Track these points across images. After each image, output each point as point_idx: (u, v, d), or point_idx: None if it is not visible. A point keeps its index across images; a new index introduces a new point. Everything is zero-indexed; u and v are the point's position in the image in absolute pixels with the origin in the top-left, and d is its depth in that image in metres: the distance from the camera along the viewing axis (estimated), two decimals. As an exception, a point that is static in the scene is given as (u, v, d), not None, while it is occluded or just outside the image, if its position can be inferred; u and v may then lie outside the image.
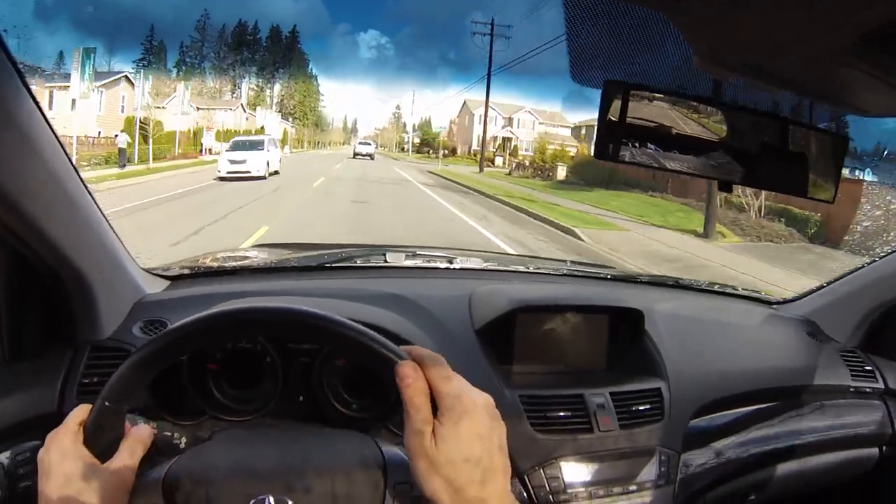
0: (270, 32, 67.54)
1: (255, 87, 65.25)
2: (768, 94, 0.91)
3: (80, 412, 0.81)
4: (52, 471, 0.77)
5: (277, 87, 67.95)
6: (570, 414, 1.34)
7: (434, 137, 57.53)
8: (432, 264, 1.91)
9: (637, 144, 0.85)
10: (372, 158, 44.34)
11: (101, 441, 0.79)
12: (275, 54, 67.23)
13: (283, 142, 45.56)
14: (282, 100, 67.54)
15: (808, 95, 0.80)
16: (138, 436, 0.83)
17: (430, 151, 59.17)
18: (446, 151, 53.79)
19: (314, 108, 68.88)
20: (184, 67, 60.77)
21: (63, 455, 0.78)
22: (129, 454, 0.80)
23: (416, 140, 66.14)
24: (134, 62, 58.06)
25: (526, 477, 1.26)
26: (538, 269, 2.05)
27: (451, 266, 1.87)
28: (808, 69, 0.69)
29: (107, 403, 0.79)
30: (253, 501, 0.80)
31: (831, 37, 0.59)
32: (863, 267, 1.88)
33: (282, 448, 0.87)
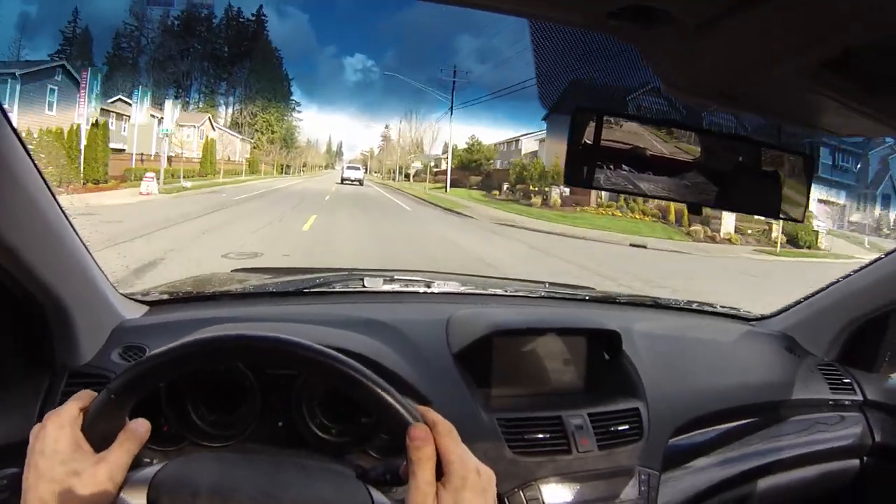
0: (227, 15, 51.14)
1: (205, 90, 51.29)
2: (737, 120, 0.92)
3: (84, 397, 0.82)
4: (46, 450, 0.78)
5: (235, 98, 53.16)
6: (548, 435, 1.33)
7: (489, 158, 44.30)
8: (410, 289, 1.91)
9: (612, 167, 0.86)
10: (361, 184, 40.35)
11: (98, 430, 0.80)
12: (232, 42, 51.93)
13: (205, 167, 34.40)
14: (240, 104, 52.40)
15: (775, 118, 0.82)
16: (135, 431, 0.83)
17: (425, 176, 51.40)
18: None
19: (282, 116, 54.60)
20: (115, 61, 45.52)
21: (59, 436, 0.78)
22: (125, 448, 0.81)
23: (420, 164, 55.41)
24: (51, 55, 39.38)
25: (506, 499, 1.26)
26: (516, 291, 2.05)
27: (429, 290, 1.87)
28: (774, 94, 0.70)
29: (113, 396, 0.80)
30: None
31: (794, 64, 0.60)
32: (838, 281, 1.90)
33: (270, 475, 0.86)
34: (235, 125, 51.81)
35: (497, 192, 33.67)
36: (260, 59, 54.82)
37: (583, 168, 0.84)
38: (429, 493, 0.71)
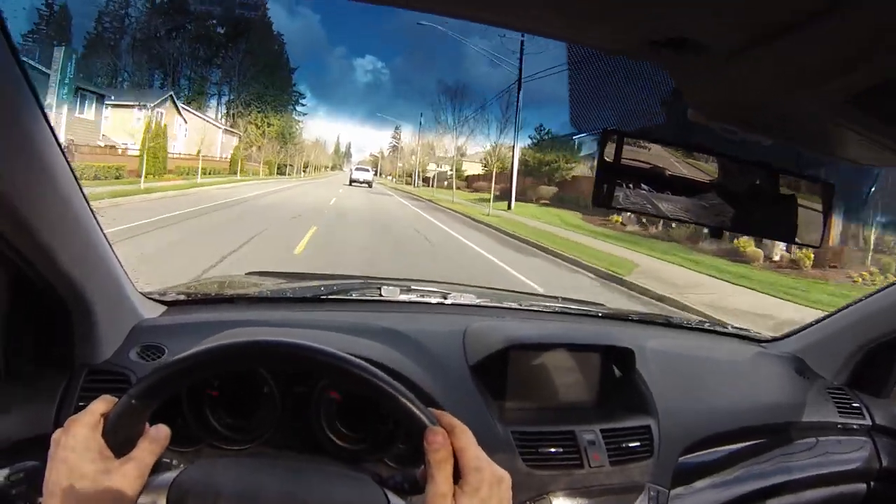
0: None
1: (195, 77, 46.85)
2: (758, 144, 0.94)
3: (104, 403, 0.82)
4: (77, 446, 0.78)
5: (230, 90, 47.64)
6: (561, 450, 1.35)
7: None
8: (426, 299, 1.92)
9: (631, 186, 0.88)
10: (370, 186, 40.67)
11: (119, 435, 0.81)
12: (227, 19, 45.45)
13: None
14: (234, 94, 47.13)
15: (798, 146, 0.83)
16: (156, 437, 0.84)
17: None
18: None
19: (280, 107, 48.37)
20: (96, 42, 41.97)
21: (80, 440, 0.78)
22: (146, 453, 0.81)
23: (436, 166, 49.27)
24: (25, 35, 37.88)
25: None
26: (531, 305, 2.07)
27: (445, 301, 1.88)
28: (798, 122, 0.72)
29: (133, 401, 0.81)
30: None
31: (820, 95, 0.62)
32: (849, 306, 1.91)
33: (290, 480, 0.87)
34: (230, 119, 46.41)
35: (617, 219, 22.11)
36: (257, 40, 48.37)
37: (609, 190, 0.86)
38: (447, 496, 0.72)
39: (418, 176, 51.49)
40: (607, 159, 0.85)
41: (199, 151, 32.48)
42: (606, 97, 0.82)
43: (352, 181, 42.03)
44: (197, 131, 35.61)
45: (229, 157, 41.37)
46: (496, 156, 32.26)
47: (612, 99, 0.83)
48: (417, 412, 0.80)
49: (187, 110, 38.57)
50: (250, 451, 1.25)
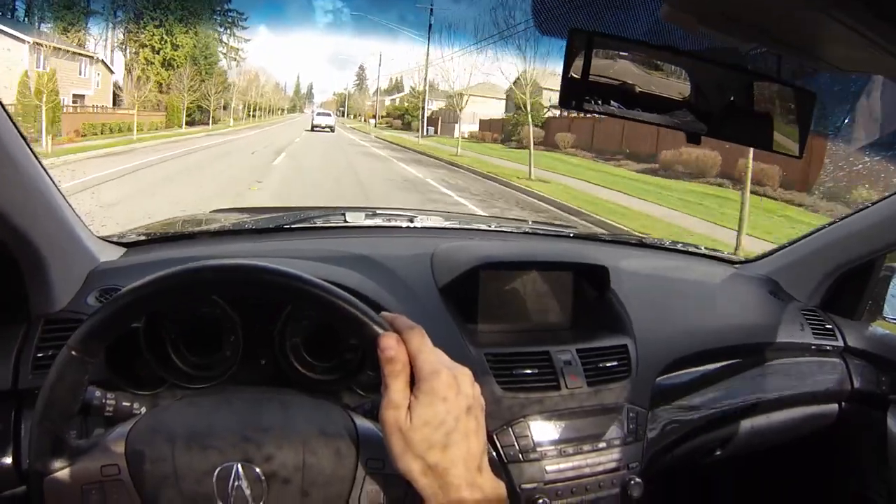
0: None
1: None
2: (734, 49, 0.89)
3: None
4: None
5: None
6: (536, 371, 1.33)
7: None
8: (392, 223, 1.89)
9: (599, 100, 0.84)
10: (332, 130, 35.96)
11: (62, 391, 0.78)
12: None
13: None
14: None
15: (781, 48, 0.79)
16: None
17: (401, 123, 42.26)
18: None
19: (194, 17, 32.29)
20: None
21: None
22: None
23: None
24: None
25: (494, 436, 1.26)
26: (500, 227, 2.04)
27: (412, 225, 1.85)
28: (784, 20, 0.67)
29: (73, 352, 0.77)
30: (220, 468, 0.78)
31: None
32: (823, 228, 1.90)
33: (246, 414, 0.85)
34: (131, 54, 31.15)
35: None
36: None
37: (577, 92, 0.81)
38: (401, 405, 0.69)
39: (425, 121, 36.60)
40: (574, 75, 0.80)
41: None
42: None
43: (314, 126, 36.31)
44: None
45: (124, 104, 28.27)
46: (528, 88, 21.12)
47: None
48: (366, 319, 0.75)
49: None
50: (214, 389, 1.22)
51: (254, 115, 44.61)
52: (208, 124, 33.05)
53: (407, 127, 42.81)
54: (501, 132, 31.12)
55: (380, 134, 39.48)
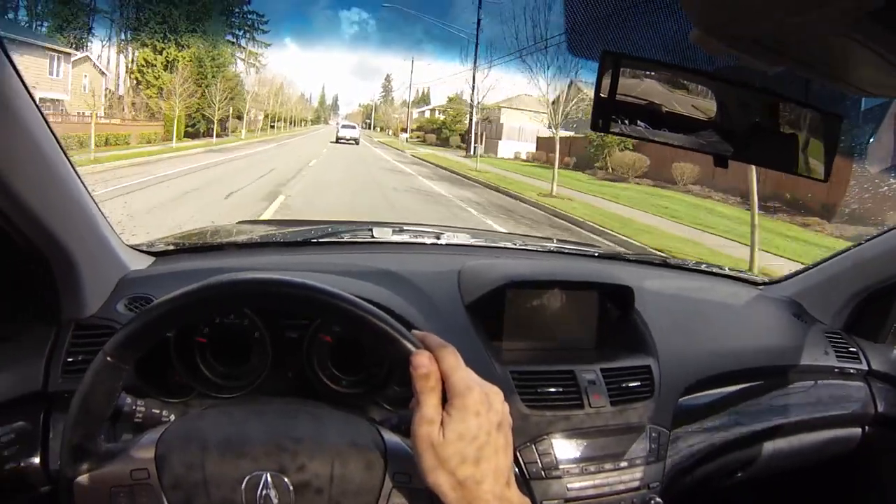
0: None
1: None
2: (762, 72, 0.90)
3: None
4: None
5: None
6: (561, 390, 1.34)
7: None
8: (420, 240, 1.90)
9: (626, 122, 0.85)
10: (357, 143, 34.50)
11: (98, 395, 0.80)
12: None
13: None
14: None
15: (808, 72, 0.79)
16: None
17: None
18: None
19: (204, 18, 27.92)
20: None
21: None
22: None
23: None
24: None
25: (518, 453, 1.26)
26: (526, 245, 2.04)
27: (438, 242, 1.86)
28: (810, 44, 0.68)
29: (109, 358, 0.79)
30: (249, 478, 0.79)
31: (836, 10, 0.58)
32: (848, 249, 1.89)
33: (278, 424, 0.86)
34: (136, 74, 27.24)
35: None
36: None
37: (606, 112, 0.83)
38: (434, 421, 0.70)
39: (476, 138, 30.26)
40: (602, 95, 0.82)
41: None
42: (605, 19, 0.78)
43: (338, 139, 35.20)
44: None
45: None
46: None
47: (611, 18, 0.78)
48: (399, 337, 0.77)
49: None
50: (242, 398, 1.24)
51: (273, 126, 40.61)
52: (213, 136, 28.16)
53: (444, 143, 38.58)
54: (569, 153, 24.51)
55: (415, 152, 33.63)
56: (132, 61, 27.53)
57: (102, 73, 26.98)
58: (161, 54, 27.48)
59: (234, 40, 33.21)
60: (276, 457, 0.81)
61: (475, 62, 30.30)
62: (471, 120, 31.03)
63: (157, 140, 25.03)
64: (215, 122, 28.06)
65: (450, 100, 38.16)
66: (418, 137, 42.71)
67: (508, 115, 29.73)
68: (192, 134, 27.01)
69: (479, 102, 30.41)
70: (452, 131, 38.61)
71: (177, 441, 0.81)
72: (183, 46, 27.56)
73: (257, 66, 35.23)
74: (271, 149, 27.43)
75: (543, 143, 27.10)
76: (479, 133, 31.17)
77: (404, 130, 44.86)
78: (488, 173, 22.06)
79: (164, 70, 27.33)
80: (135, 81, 27.39)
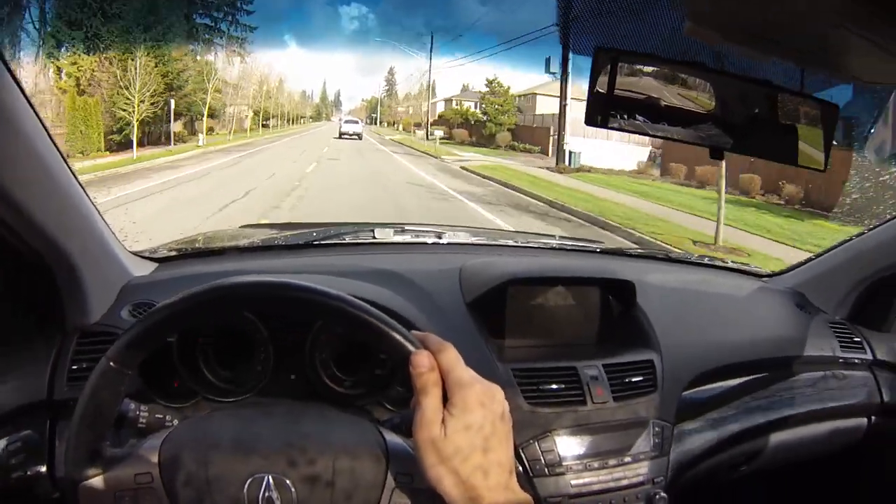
0: None
1: None
2: (757, 64, 0.90)
3: None
4: None
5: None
6: (563, 386, 1.34)
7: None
8: (421, 239, 1.90)
9: (625, 116, 0.85)
10: (360, 138, 31.58)
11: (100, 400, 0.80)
12: None
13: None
14: None
15: (802, 62, 0.80)
16: None
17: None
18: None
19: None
20: None
21: None
22: None
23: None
24: None
25: (521, 450, 1.26)
26: (527, 243, 2.05)
27: (440, 241, 1.86)
28: (804, 34, 0.69)
29: (112, 363, 0.79)
30: (251, 479, 0.79)
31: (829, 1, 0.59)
32: (850, 239, 1.88)
33: (281, 426, 0.86)
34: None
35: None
36: None
37: (602, 108, 0.83)
38: (435, 420, 0.70)
39: (418, 126, 25.22)
40: (600, 90, 0.82)
41: None
42: (599, 15, 0.78)
43: (342, 134, 31.69)
44: None
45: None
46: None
47: (605, 16, 0.78)
48: (399, 337, 0.77)
49: None
50: (246, 402, 1.25)
51: (266, 125, 33.33)
52: (170, 143, 21.34)
53: (486, 141, 28.35)
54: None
55: (460, 159, 21.98)
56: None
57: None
58: (80, 30, 19.97)
59: (213, 23, 26.23)
60: (285, 454, 0.81)
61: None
62: (562, 110, 21.28)
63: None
64: (135, 124, 19.36)
65: (489, 83, 28.63)
66: (444, 134, 30.54)
67: (572, 106, 20.97)
68: (121, 144, 19.26)
69: (566, 95, 21.08)
70: (499, 126, 28.12)
71: (181, 445, 0.82)
72: (111, 17, 19.86)
73: (241, 54, 27.83)
74: (279, 144, 22.35)
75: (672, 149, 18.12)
76: (533, 129, 24.00)
77: (419, 126, 36.22)
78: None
79: (85, 50, 19.93)
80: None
